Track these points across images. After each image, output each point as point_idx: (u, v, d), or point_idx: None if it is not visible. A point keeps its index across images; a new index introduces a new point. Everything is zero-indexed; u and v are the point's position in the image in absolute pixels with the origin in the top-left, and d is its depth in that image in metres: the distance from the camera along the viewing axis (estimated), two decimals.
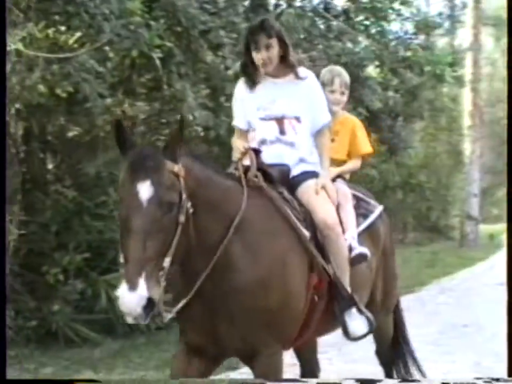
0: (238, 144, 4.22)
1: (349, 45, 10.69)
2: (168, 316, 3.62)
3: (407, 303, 10.30)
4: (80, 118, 7.55)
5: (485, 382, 4.33)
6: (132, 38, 5.79)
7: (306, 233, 4.00)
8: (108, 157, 7.70)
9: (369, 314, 4.19)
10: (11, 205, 6.95)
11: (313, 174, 4.30)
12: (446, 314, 9.61)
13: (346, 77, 4.84)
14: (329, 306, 4.07)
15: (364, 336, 4.22)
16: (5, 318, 3.40)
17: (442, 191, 22.89)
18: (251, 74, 4.30)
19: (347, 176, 4.84)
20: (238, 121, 4.45)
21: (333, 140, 4.64)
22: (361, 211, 4.64)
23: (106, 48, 6.24)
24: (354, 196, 4.67)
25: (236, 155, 4.18)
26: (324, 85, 4.63)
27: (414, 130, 15.85)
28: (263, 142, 4.31)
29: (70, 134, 8.32)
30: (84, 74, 5.89)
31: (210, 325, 3.77)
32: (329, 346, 6.14)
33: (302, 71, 4.33)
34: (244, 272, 3.72)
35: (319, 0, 11.21)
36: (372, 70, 12.58)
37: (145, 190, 3.23)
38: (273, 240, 3.86)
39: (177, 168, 3.37)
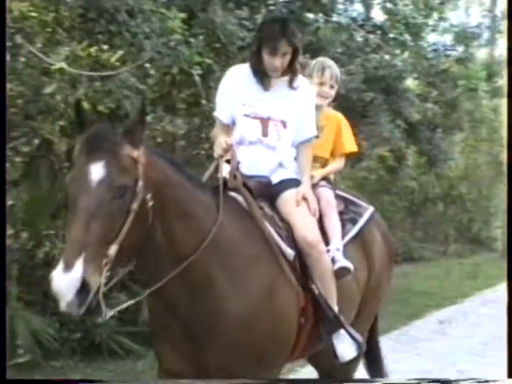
0: (220, 139, 3.87)
1: (387, 57, 10.69)
2: (109, 313, 3.32)
3: (450, 314, 10.41)
4: None
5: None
6: (172, 56, 5.88)
7: (291, 252, 3.77)
8: None
9: (357, 336, 3.93)
10: (56, 219, 7.11)
11: (293, 182, 4.04)
12: (488, 326, 9.44)
13: (337, 70, 4.56)
14: (315, 328, 3.84)
15: (354, 360, 3.98)
16: (5, 318, 3.43)
17: (483, 202, 22.59)
18: (257, 71, 4.01)
19: (331, 177, 4.56)
20: (221, 114, 4.13)
21: (317, 137, 4.33)
22: (349, 215, 4.37)
23: (147, 65, 6.33)
24: (342, 198, 4.45)
25: (217, 151, 3.88)
26: (312, 76, 4.43)
27: (453, 141, 15.69)
28: (241, 141, 4.03)
29: None
30: (125, 91, 5.97)
31: (193, 355, 3.56)
32: None
33: (299, 79, 4.09)
34: (230, 301, 3.49)
35: (356, 14, 11.28)
36: (410, 82, 12.55)
37: (97, 170, 3.06)
38: (259, 265, 3.63)
39: (136, 153, 3.18)
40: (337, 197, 4.39)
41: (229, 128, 4.10)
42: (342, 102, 6.13)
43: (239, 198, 3.79)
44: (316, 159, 4.37)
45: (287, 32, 3.87)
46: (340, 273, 3.94)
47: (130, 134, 3.20)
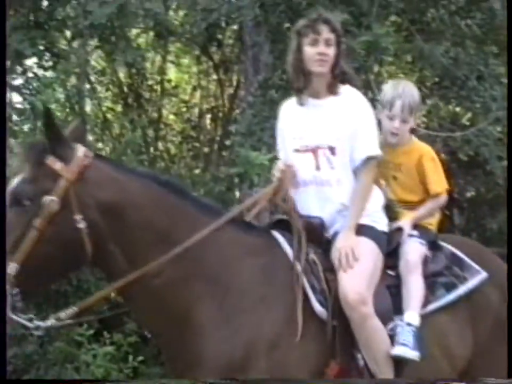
0: (278, 163, 3.62)
1: None
2: (38, 325, 3.08)
3: None
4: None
5: None
6: None
7: (320, 309, 3.28)
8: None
9: None
10: None
11: (362, 231, 3.46)
12: None
13: (413, 97, 3.69)
14: None
15: None
16: (5, 318, 3.10)
17: None
18: (300, 90, 3.57)
19: (432, 222, 3.79)
20: (281, 154, 3.75)
21: (395, 178, 3.75)
22: (447, 279, 3.63)
23: None
24: (448, 254, 3.72)
25: (275, 174, 3.58)
26: (383, 106, 3.72)
27: None
28: (296, 184, 3.59)
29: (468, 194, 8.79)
30: (484, 140, 6.25)
31: None
32: None
33: (345, 88, 3.57)
34: (214, 343, 3.15)
35: None
36: None
37: (14, 181, 2.97)
38: (263, 308, 3.23)
39: (59, 165, 2.96)
40: (440, 251, 3.73)
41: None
42: None
43: (280, 238, 3.44)
44: (401, 204, 3.76)
45: (328, 20, 3.49)
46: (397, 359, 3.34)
47: (59, 148, 2.98)
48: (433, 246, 3.70)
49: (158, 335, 3.40)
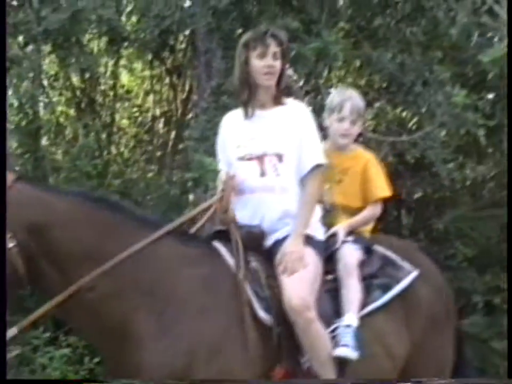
0: (221, 173, 3.65)
1: None
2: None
3: None
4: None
5: None
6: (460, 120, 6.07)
7: (264, 316, 3.34)
8: (455, 213, 7.94)
9: None
10: None
11: (304, 240, 3.53)
12: None
13: (360, 102, 3.90)
14: None
15: None
16: (5, 317, 3.14)
17: None
18: (246, 102, 3.65)
19: (366, 228, 3.93)
20: (221, 164, 3.81)
21: (340, 181, 3.86)
22: (382, 280, 3.73)
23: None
24: (380, 257, 3.83)
25: (219, 186, 3.61)
26: (331, 110, 3.87)
27: None
28: (239, 191, 3.63)
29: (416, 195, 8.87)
30: (430, 143, 6.37)
31: None
32: None
33: (289, 100, 3.72)
34: (153, 354, 3.17)
35: None
36: None
37: None
38: (204, 317, 3.26)
39: None
40: (374, 255, 3.85)
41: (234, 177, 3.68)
42: None
43: (221, 248, 3.52)
44: (343, 209, 3.86)
45: (275, 34, 3.61)
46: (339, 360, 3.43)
47: None
48: (368, 249, 3.81)
49: (99, 348, 3.46)
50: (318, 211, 3.69)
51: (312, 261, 3.50)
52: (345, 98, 3.84)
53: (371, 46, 6.48)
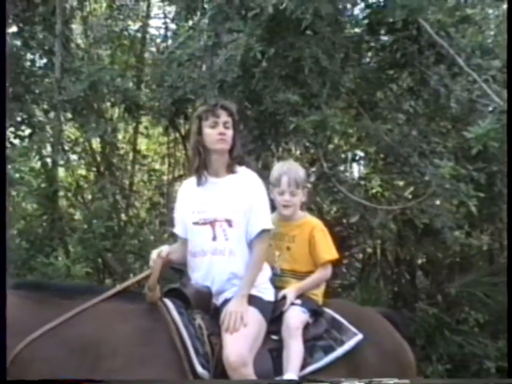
0: (153, 253, 3.89)
1: None
2: None
3: None
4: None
5: None
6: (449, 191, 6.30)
7: (202, 371, 3.55)
8: (467, 279, 8.27)
9: None
10: None
11: (250, 300, 3.76)
12: None
13: (298, 174, 4.11)
14: None
15: None
16: (5, 317, 3.41)
17: None
18: (200, 170, 3.93)
19: (317, 292, 4.11)
20: (177, 229, 4.05)
21: (288, 248, 4.08)
22: (326, 342, 3.92)
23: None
24: (330, 319, 4.02)
25: (150, 263, 3.88)
26: (273, 184, 4.12)
27: None
28: (194, 252, 3.91)
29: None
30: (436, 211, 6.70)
31: None
32: None
33: (241, 169, 3.97)
34: None
35: None
36: None
37: None
38: (139, 367, 3.46)
39: None
40: (322, 317, 4.04)
41: (186, 242, 4.00)
42: None
43: (170, 304, 3.74)
44: (290, 274, 4.08)
45: (224, 104, 3.94)
46: None
47: None
48: (315, 312, 4.00)
49: None
50: (267, 273, 3.93)
51: (255, 320, 3.72)
52: (282, 173, 4.09)
53: (371, 118, 6.79)
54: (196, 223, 3.89)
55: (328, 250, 4.08)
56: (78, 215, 8.47)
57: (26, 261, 6.99)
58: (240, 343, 3.60)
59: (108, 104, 7.99)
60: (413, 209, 7.07)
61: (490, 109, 6.20)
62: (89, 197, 8.62)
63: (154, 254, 3.86)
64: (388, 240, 8.56)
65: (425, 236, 8.18)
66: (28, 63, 7.88)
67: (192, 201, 3.96)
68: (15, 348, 3.43)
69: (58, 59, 7.46)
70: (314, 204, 7.96)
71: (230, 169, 3.93)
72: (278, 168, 4.19)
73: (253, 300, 3.78)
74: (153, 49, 8.85)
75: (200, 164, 3.93)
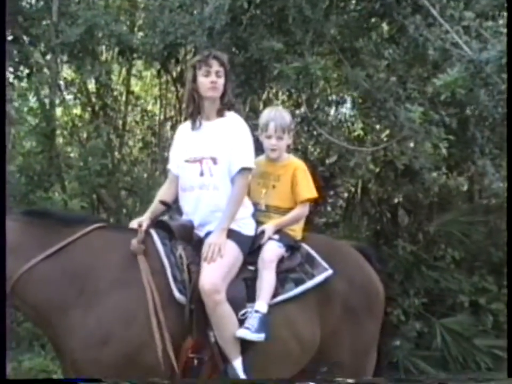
0: (133, 221, 4.27)
1: None
2: None
3: None
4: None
5: None
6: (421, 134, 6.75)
7: (179, 296, 3.91)
8: (445, 218, 8.70)
9: None
10: None
11: (228, 234, 4.09)
12: None
13: (284, 120, 4.43)
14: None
15: None
16: (5, 317, 3.78)
17: None
18: (194, 115, 4.30)
19: (295, 228, 4.41)
20: (171, 165, 4.44)
21: (274, 187, 4.40)
22: (297, 275, 4.22)
23: None
24: (304, 254, 4.31)
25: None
26: (261, 129, 4.46)
27: None
28: (183, 187, 4.29)
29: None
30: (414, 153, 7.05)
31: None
32: None
33: (230, 114, 4.31)
34: (77, 318, 3.77)
35: None
36: None
37: None
38: (119, 291, 3.83)
39: None
40: (298, 252, 4.33)
41: (177, 179, 4.38)
42: None
43: (154, 235, 4.12)
44: (276, 210, 4.38)
45: (217, 56, 4.27)
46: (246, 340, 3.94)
47: None
48: (291, 247, 4.33)
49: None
50: (249, 209, 4.33)
51: (231, 252, 4.08)
52: (269, 119, 4.42)
53: (351, 65, 7.14)
54: (187, 161, 4.27)
55: (307, 189, 4.40)
56: (74, 153, 8.81)
57: (26, 195, 7.30)
58: (214, 272, 3.95)
59: (103, 47, 8.26)
60: (393, 150, 7.44)
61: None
62: (85, 135, 8.92)
63: (135, 223, 4.22)
64: (370, 180, 8.92)
65: (405, 176, 8.58)
66: (27, 5, 8.11)
67: (186, 142, 4.36)
68: (18, 270, 3.80)
69: (55, 3, 7.72)
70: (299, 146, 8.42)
71: (220, 114, 4.28)
72: (266, 114, 4.50)
73: (232, 234, 4.12)
74: None
75: (194, 109, 4.30)
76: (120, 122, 9.14)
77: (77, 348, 3.77)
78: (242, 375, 3.94)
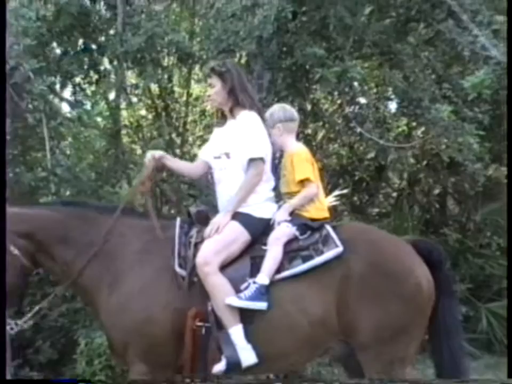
0: (148, 153, 4.68)
1: None
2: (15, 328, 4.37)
3: None
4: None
5: None
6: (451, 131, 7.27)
7: (179, 270, 4.30)
8: (491, 207, 9.18)
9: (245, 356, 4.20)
10: None
11: (236, 216, 4.41)
12: None
13: (285, 114, 4.70)
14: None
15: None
16: (5, 317, 4.17)
17: None
18: (218, 116, 4.80)
19: (308, 208, 4.54)
20: (201, 152, 4.86)
21: (284, 175, 4.64)
22: (307, 252, 4.35)
23: None
24: (322, 235, 4.40)
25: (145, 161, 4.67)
26: (269, 126, 4.67)
27: None
28: (214, 182, 4.69)
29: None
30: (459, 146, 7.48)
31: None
32: None
33: (243, 112, 4.55)
34: (105, 299, 4.32)
35: None
36: None
37: None
38: (136, 268, 4.33)
39: None
40: (318, 232, 4.43)
41: (201, 163, 4.80)
42: None
43: (177, 223, 4.53)
44: (287, 196, 4.59)
45: (212, 67, 4.67)
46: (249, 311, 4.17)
47: None
48: (305, 226, 4.47)
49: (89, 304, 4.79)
50: (262, 196, 4.57)
51: (232, 230, 4.40)
52: (272, 113, 4.71)
53: (390, 67, 7.69)
54: (214, 157, 4.67)
55: (300, 171, 4.55)
56: (138, 151, 9.44)
57: (95, 191, 7.85)
58: (208, 246, 4.30)
59: (164, 54, 8.84)
60: (438, 144, 7.96)
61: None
62: (148, 134, 9.55)
63: (149, 154, 4.66)
64: (419, 173, 9.40)
65: (450, 168, 9.12)
66: (96, 17, 8.61)
67: (214, 139, 4.82)
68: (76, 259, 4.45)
69: (120, 15, 8.31)
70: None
71: (233, 115, 4.65)
72: (274, 111, 4.75)
73: (239, 216, 4.45)
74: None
75: (217, 110, 4.84)
76: (181, 121, 9.68)
77: (104, 318, 4.40)
78: (240, 342, 4.19)
